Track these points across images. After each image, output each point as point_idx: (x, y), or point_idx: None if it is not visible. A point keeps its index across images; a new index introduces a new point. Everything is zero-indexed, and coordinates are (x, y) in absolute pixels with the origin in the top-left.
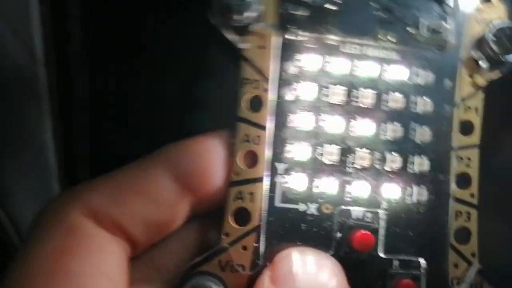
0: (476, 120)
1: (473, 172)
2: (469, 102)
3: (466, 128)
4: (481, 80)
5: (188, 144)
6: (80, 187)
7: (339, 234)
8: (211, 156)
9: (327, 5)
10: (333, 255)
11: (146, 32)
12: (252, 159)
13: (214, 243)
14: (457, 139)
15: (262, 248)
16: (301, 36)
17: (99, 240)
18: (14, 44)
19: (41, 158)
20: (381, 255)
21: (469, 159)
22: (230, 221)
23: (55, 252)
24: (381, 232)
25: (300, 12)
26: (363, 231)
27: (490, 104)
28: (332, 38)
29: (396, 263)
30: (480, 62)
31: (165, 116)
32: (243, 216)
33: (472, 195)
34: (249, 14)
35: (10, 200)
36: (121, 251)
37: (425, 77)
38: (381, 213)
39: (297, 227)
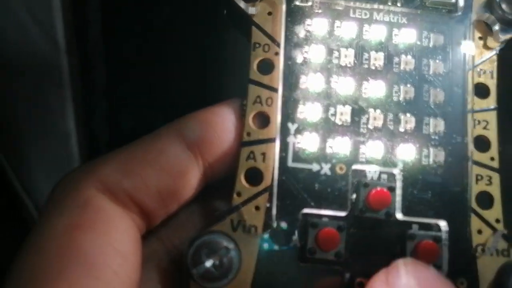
0: (492, 83)
1: (492, 135)
2: (483, 66)
3: (482, 91)
4: (493, 43)
5: (198, 113)
6: (93, 162)
7: (354, 195)
8: (221, 122)
9: None
10: (348, 216)
11: (162, 18)
12: (264, 120)
13: (224, 207)
14: (473, 102)
15: (274, 208)
16: (309, 1)
17: (111, 215)
18: (36, 32)
19: (64, 145)
20: (399, 217)
21: (486, 122)
22: (242, 181)
23: (67, 228)
24: (398, 192)
25: None
26: (378, 189)
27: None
28: (340, 3)
29: (415, 225)
30: (491, 24)
31: (183, 99)
32: (255, 176)
33: (492, 159)
34: None
35: (34, 188)
36: (134, 227)
37: (435, 40)
38: (397, 173)
39: (311, 187)
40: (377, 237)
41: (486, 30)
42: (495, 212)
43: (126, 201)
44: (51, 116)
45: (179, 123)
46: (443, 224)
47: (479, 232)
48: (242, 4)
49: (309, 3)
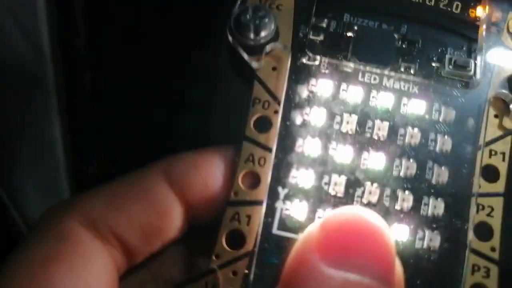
0: (502, 167)
1: (496, 223)
2: (495, 146)
3: (490, 174)
4: (509, 123)
5: (187, 155)
6: (77, 195)
7: None
8: (208, 168)
9: (345, 32)
10: None
11: (151, 26)
12: (254, 180)
13: (203, 264)
14: (479, 185)
15: (252, 276)
16: (317, 60)
17: (90, 250)
18: (21, 40)
19: (50, 154)
20: None
21: (491, 208)
22: (223, 243)
23: (42, 258)
24: None
25: (317, 37)
26: None
27: None
28: (349, 65)
29: None
30: (510, 103)
31: (171, 110)
32: (237, 239)
33: (493, 249)
34: (265, 34)
35: (20, 196)
36: (112, 264)
37: (446, 114)
38: None
39: None
40: None
41: (503, 108)
42: None
43: (108, 237)
44: (37, 125)
45: (165, 162)
46: None
47: None
48: (246, 57)
49: (316, 62)
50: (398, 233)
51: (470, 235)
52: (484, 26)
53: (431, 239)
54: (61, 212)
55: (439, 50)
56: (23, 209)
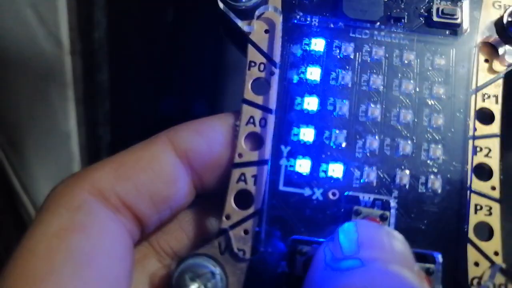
0: (496, 109)
1: (494, 163)
2: (487, 90)
3: (485, 116)
4: (499, 66)
5: (191, 123)
6: (87, 168)
7: (347, 221)
8: (213, 134)
9: None
10: None
11: (168, 21)
12: (257, 141)
13: (213, 227)
14: (475, 127)
15: (263, 233)
16: (308, 20)
17: (103, 219)
18: (40, 32)
19: (65, 145)
20: None
21: (489, 149)
22: (232, 203)
23: (58, 230)
24: (392, 221)
25: None
26: (370, 218)
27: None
28: (340, 22)
29: None
30: (498, 47)
31: (184, 102)
32: (245, 199)
33: (493, 188)
34: None
35: (34, 187)
36: (125, 232)
37: (438, 62)
38: (392, 201)
39: (301, 212)
40: None
41: (492, 52)
42: (494, 245)
43: (118, 206)
44: (53, 116)
45: (170, 132)
46: (437, 255)
47: (476, 264)
48: (238, 22)
49: (307, 21)
50: (401, 180)
51: (471, 176)
52: None
53: (433, 183)
54: (71, 185)
55: (426, 1)
56: (37, 200)
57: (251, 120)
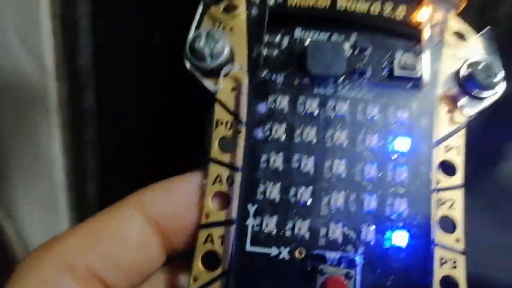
0: (458, 160)
1: (457, 215)
2: (450, 141)
3: (448, 168)
4: (460, 117)
5: (158, 185)
6: (55, 237)
7: (312, 282)
8: (182, 196)
9: (297, 46)
10: None
11: (154, 44)
12: (224, 200)
13: None
14: (439, 180)
15: None
16: (273, 76)
17: None
18: (25, 58)
19: (49, 171)
20: None
21: (452, 201)
22: (199, 265)
23: None
24: (358, 278)
25: (271, 53)
26: (335, 277)
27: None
28: (304, 79)
29: None
30: (458, 98)
31: (175, 127)
32: (213, 260)
33: (457, 240)
34: (220, 58)
35: (18, 213)
36: None
37: (401, 116)
38: (357, 258)
39: (269, 273)
40: None
41: (452, 104)
42: None
43: (87, 277)
44: (38, 142)
45: (138, 195)
46: None
47: None
48: (204, 82)
49: (273, 79)
50: (367, 236)
51: (435, 229)
52: (427, 28)
53: (398, 238)
54: (38, 258)
55: (388, 55)
56: (20, 225)
57: (218, 179)
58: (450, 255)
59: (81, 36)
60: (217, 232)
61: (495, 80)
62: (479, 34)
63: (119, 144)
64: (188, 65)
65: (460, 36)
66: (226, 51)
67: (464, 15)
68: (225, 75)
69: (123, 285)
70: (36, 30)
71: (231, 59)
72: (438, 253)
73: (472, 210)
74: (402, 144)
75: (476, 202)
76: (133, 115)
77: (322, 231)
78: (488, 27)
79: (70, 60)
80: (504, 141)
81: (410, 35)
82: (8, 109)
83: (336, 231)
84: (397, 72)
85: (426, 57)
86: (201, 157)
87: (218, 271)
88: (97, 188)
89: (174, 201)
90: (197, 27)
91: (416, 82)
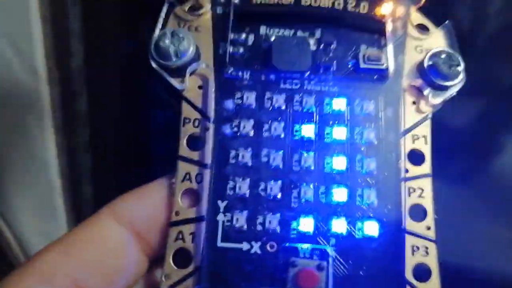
0: (426, 149)
1: (427, 203)
2: (416, 131)
3: (416, 157)
4: (425, 107)
5: (130, 193)
6: (35, 255)
7: (285, 274)
8: (153, 197)
9: (263, 43)
10: None
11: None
12: (194, 198)
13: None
14: (407, 169)
15: None
16: (239, 74)
17: None
18: (16, 62)
19: (44, 174)
20: None
21: (421, 189)
22: (171, 263)
23: None
24: (330, 270)
25: (237, 51)
26: (306, 269)
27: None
28: (270, 75)
29: None
30: (422, 89)
31: (167, 132)
32: (184, 257)
33: (428, 228)
34: (186, 56)
35: (14, 216)
36: None
37: (367, 107)
38: (330, 249)
39: (241, 268)
40: None
41: (418, 94)
42: (432, 285)
43: (72, 286)
44: (31, 145)
45: (112, 204)
46: None
47: None
48: (171, 80)
49: (239, 75)
50: (338, 227)
51: (405, 218)
52: (390, 22)
53: (369, 228)
54: (20, 274)
55: (353, 49)
56: (16, 228)
57: (187, 177)
58: (421, 243)
59: (72, 39)
60: (188, 229)
61: (457, 69)
62: (440, 26)
63: (112, 146)
64: (154, 64)
65: (423, 28)
66: (192, 49)
67: (424, 9)
68: (192, 74)
69: None
70: (27, 34)
71: (197, 57)
72: (409, 241)
73: (469, 203)
74: (369, 135)
75: (473, 195)
76: (126, 117)
77: (293, 224)
78: (448, 20)
79: (62, 63)
80: (500, 135)
81: (374, 29)
82: (0, 114)
83: (307, 224)
84: (362, 64)
85: (390, 49)
86: None
87: (190, 268)
88: (92, 190)
89: (146, 204)
90: (163, 26)
91: (381, 74)
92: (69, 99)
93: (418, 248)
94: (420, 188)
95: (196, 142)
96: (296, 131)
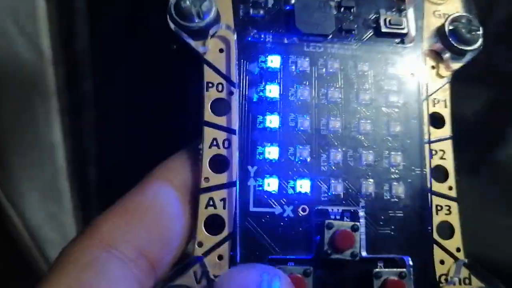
0: (446, 112)
1: (449, 164)
2: (437, 95)
3: (437, 120)
4: (445, 71)
5: (174, 158)
6: (92, 223)
7: (318, 236)
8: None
9: (284, 5)
10: (314, 259)
11: (151, 28)
12: (223, 163)
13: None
14: (429, 132)
15: (238, 256)
16: (262, 37)
17: (113, 275)
18: (21, 42)
19: (50, 157)
20: (364, 254)
21: (443, 151)
22: (203, 230)
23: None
24: (362, 230)
25: (258, 13)
26: (342, 230)
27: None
28: (293, 38)
29: (380, 262)
30: (442, 53)
31: (170, 111)
32: (217, 223)
33: (450, 188)
34: (207, 17)
35: (21, 199)
36: (137, 286)
37: (390, 71)
38: (360, 211)
39: (274, 231)
40: (344, 278)
41: (437, 58)
42: (455, 242)
43: (133, 256)
44: (37, 127)
45: (162, 168)
46: (407, 259)
47: (442, 262)
48: (192, 42)
49: (262, 38)
50: (367, 189)
51: (430, 179)
52: None
53: (396, 189)
54: (80, 243)
55: (373, 13)
56: (23, 211)
57: (214, 143)
58: (444, 202)
59: (77, 20)
60: (219, 195)
61: (477, 34)
62: None
63: (118, 128)
64: (172, 25)
65: None
66: (214, 10)
67: None
68: (212, 36)
69: (166, 257)
70: (32, 15)
71: (217, 19)
72: (434, 201)
73: (477, 193)
74: (393, 98)
75: (480, 184)
76: (132, 99)
77: (323, 187)
78: None
79: (67, 45)
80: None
81: None
82: (5, 96)
83: (337, 187)
84: (384, 28)
85: (410, 13)
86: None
87: (223, 235)
88: (98, 173)
89: (188, 170)
90: None
91: (403, 38)
92: (74, 80)
93: (441, 207)
94: (441, 150)
95: (220, 107)
96: (322, 95)
